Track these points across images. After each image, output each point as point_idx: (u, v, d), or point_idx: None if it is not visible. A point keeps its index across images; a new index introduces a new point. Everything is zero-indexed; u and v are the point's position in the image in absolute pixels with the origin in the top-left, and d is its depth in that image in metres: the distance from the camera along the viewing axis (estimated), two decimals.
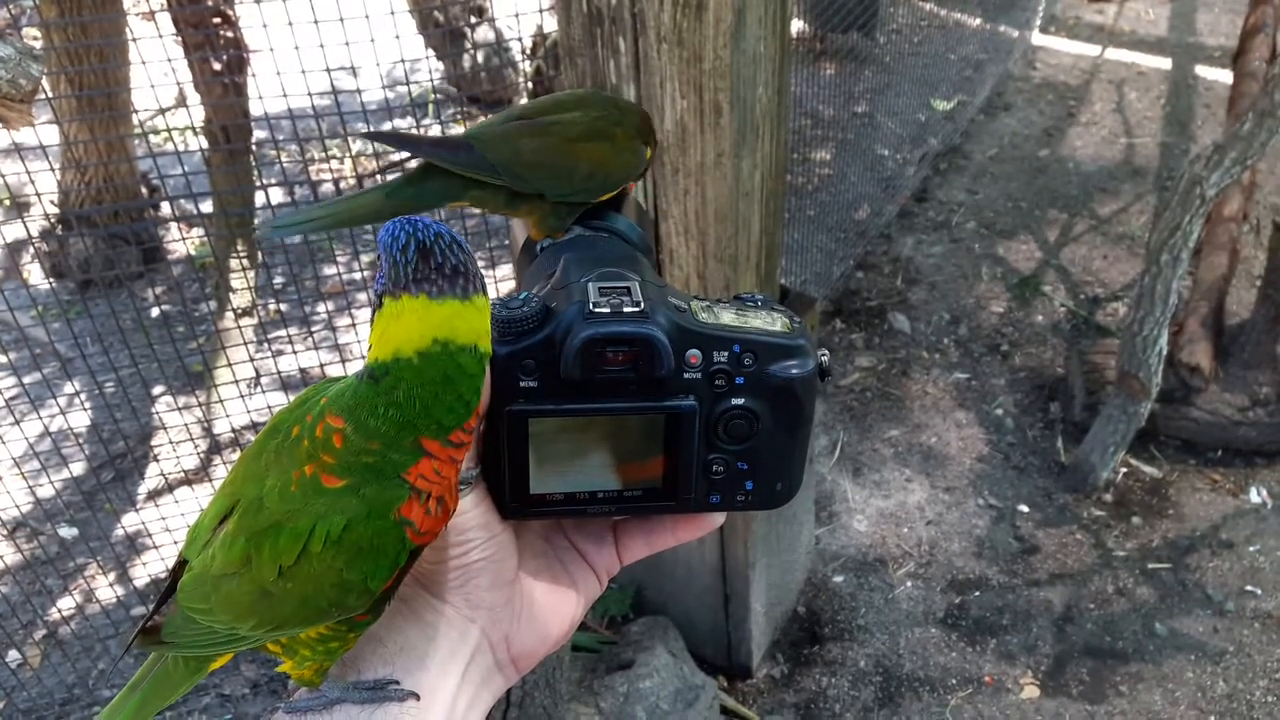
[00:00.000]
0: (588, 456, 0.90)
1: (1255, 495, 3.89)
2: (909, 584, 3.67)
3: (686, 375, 0.87)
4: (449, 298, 0.73)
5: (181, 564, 0.91)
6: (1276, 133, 3.22)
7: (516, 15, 2.70)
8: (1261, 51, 5.00)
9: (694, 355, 0.87)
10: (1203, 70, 6.77)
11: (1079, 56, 7.09)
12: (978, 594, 3.62)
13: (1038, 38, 7.29)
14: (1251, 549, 3.69)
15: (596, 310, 0.86)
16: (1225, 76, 5.73)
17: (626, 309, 0.86)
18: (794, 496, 0.95)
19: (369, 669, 0.85)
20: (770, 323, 0.90)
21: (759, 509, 0.94)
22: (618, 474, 0.91)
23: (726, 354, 0.87)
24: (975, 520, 3.88)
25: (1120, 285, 4.94)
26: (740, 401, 0.89)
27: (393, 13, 2.58)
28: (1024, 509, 3.91)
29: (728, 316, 0.90)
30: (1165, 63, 6.92)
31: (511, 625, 0.90)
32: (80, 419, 3.96)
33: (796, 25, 5.95)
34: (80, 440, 3.78)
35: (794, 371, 0.89)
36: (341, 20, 2.50)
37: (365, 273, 4.59)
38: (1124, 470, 4.00)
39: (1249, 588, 3.57)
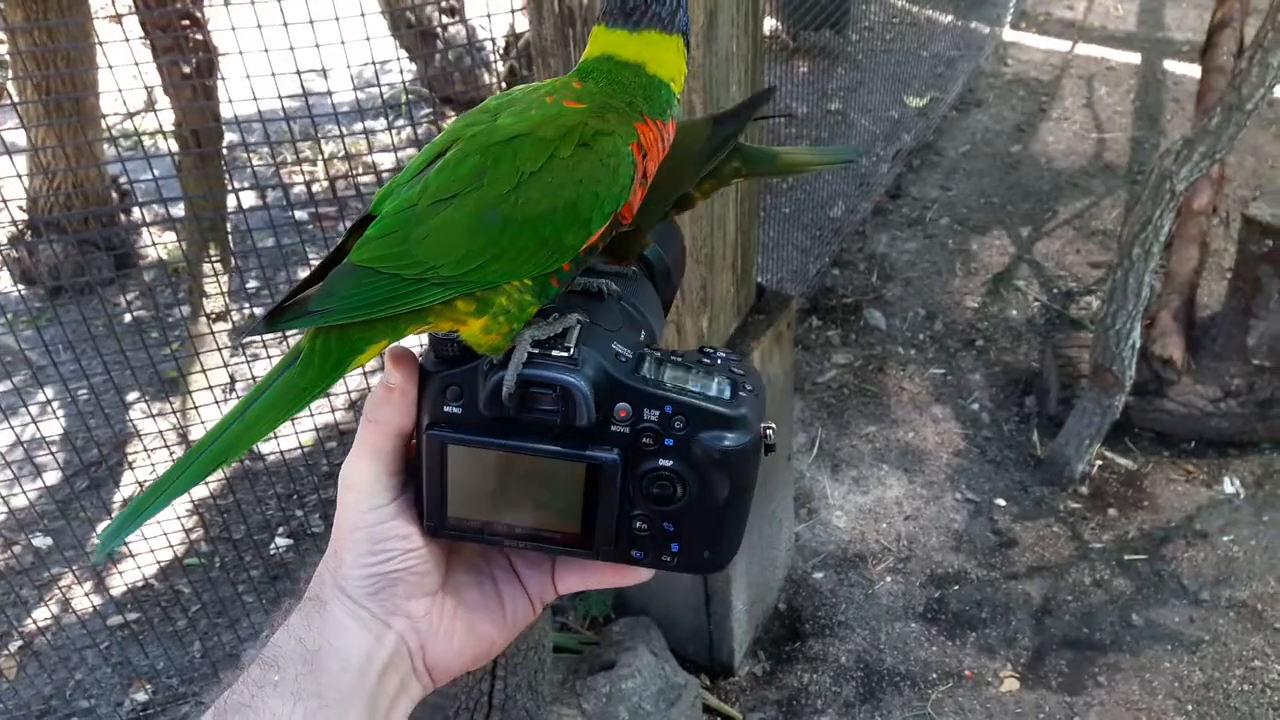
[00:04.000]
0: (507, 491, 0.89)
1: (1228, 485, 3.93)
2: (888, 579, 3.69)
3: (614, 428, 0.86)
4: (619, 29, 0.91)
5: (360, 225, 0.93)
6: (1244, 127, 3.25)
7: (488, 15, 2.69)
8: (1229, 46, 5.06)
9: (623, 409, 0.85)
10: (1171, 65, 6.84)
11: (1049, 52, 7.14)
12: (957, 588, 3.64)
13: (1009, 33, 7.34)
14: (1225, 539, 3.73)
15: (534, 336, 0.87)
16: (1193, 71, 5.78)
17: (555, 352, 0.86)
18: (728, 564, 0.93)
19: (290, 666, 0.84)
20: (717, 387, 0.88)
21: (686, 572, 0.91)
22: (535, 513, 0.89)
23: (657, 413, 0.85)
24: (953, 515, 3.90)
25: (1093, 279, 4.98)
26: (667, 463, 0.86)
27: (363, 14, 2.56)
28: (1001, 503, 3.94)
29: (671, 374, 0.88)
30: (1134, 58, 6.98)
31: (429, 637, 0.90)
32: (53, 427, 3.92)
33: (769, 23, 5.95)
34: (53, 449, 3.73)
35: (726, 443, 0.85)
36: (311, 23, 2.48)
37: None
38: (1099, 463, 4.03)
39: (1224, 577, 3.60)
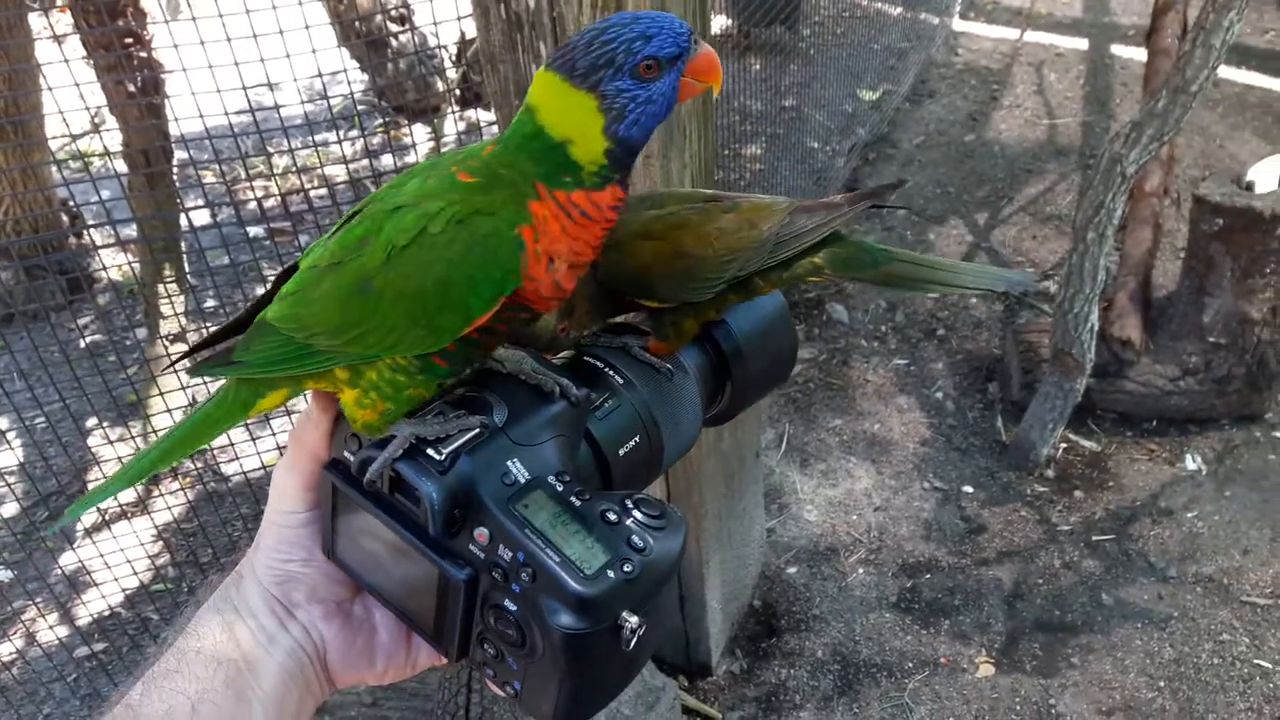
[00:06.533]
0: (381, 556, 0.87)
1: (1190, 462, 3.98)
2: (861, 571, 3.70)
3: (472, 548, 0.80)
4: (560, 76, 0.82)
5: (282, 278, 0.95)
6: (1190, 108, 3.29)
7: (435, 24, 2.67)
8: (1174, 29, 5.12)
9: (481, 534, 0.80)
10: (1118, 49, 6.92)
11: (999, 40, 7.21)
12: (928, 576, 3.66)
13: (958, 23, 7.40)
14: (1190, 515, 3.78)
15: (416, 433, 0.84)
16: (1140, 54, 5.85)
17: (430, 451, 0.82)
18: None
19: (210, 635, 0.89)
20: (591, 552, 0.77)
21: (528, 714, 0.83)
22: (403, 588, 0.87)
23: (509, 555, 0.78)
24: (922, 503, 3.92)
25: (1050, 264, 5.03)
26: (511, 607, 0.79)
27: (307, 27, 2.53)
28: (968, 490, 3.96)
29: (552, 518, 0.79)
30: (1082, 43, 7.06)
31: (329, 642, 0.93)
32: (9, 459, 3.84)
33: (721, 21, 5.97)
34: (10, 480, 3.66)
35: (561, 621, 0.75)
36: (255, 37, 2.45)
37: None
38: (1063, 446, 4.07)
39: (1189, 553, 3.65)
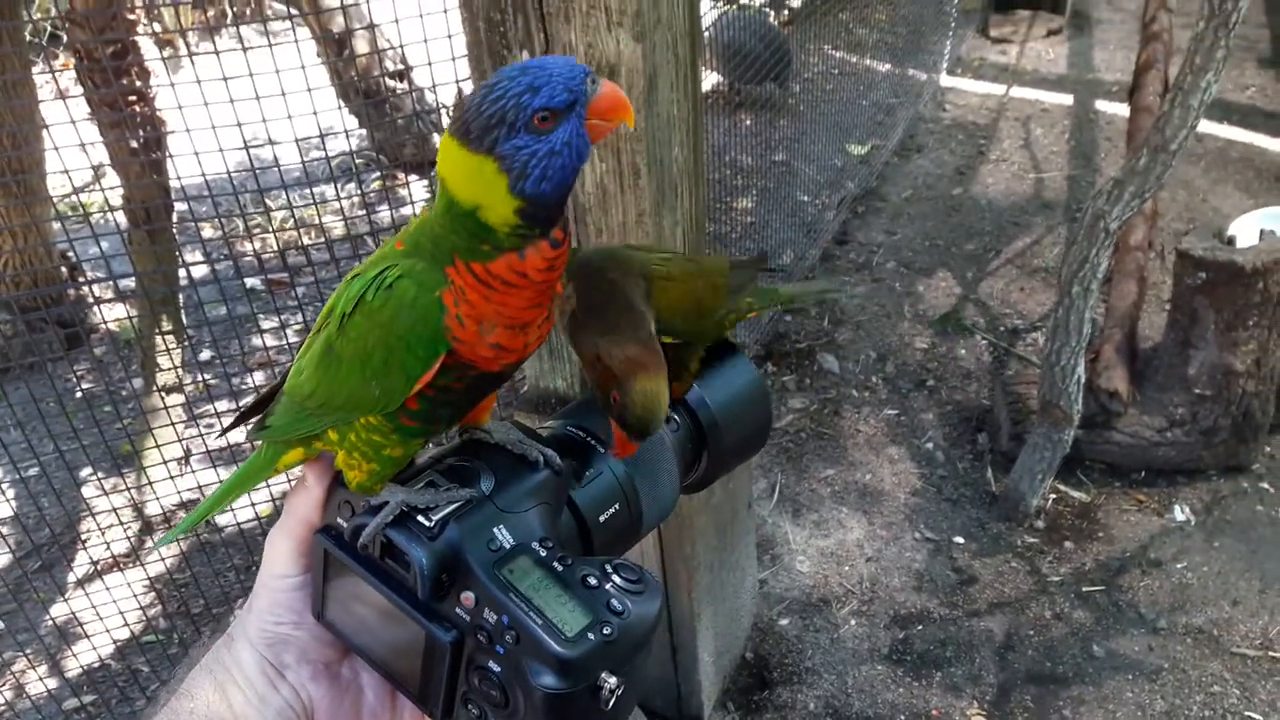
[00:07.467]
0: (370, 619, 0.90)
1: (1179, 513, 4.01)
2: (853, 622, 3.71)
3: (458, 611, 0.83)
4: (458, 141, 0.81)
5: None
6: (1171, 166, 3.36)
7: (434, 86, 2.73)
8: (1155, 86, 5.24)
9: (468, 597, 0.83)
10: (1102, 105, 7.06)
11: (986, 96, 7.35)
12: (920, 628, 3.67)
13: (945, 79, 7.54)
14: (1179, 566, 3.80)
15: (407, 501, 0.87)
16: (1123, 110, 5.97)
17: (419, 518, 0.85)
18: None
19: (202, 695, 0.92)
20: (573, 615, 0.80)
21: None
22: (390, 650, 0.90)
23: (494, 618, 0.81)
24: (913, 554, 3.94)
25: (1038, 316, 5.09)
26: (496, 668, 0.81)
27: (310, 90, 2.59)
28: (959, 540, 3.98)
29: (536, 582, 0.82)
30: (1067, 99, 7.21)
31: (318, 700, 0.95)
32: (2, 509, 3.85)
33: (712, 79, 6.08)
34: (3, 530, 3.67)
35: (544, 681, 0.78)
36: (258, 99, 2.51)
37: (294, 340, 4.54)
38: (1053, 496, 4.10)
39: (1179, 604, 3.67)
